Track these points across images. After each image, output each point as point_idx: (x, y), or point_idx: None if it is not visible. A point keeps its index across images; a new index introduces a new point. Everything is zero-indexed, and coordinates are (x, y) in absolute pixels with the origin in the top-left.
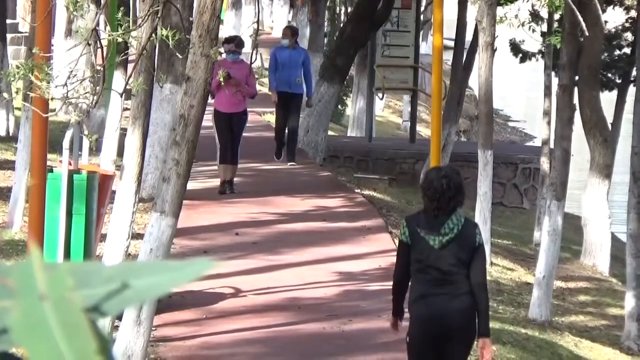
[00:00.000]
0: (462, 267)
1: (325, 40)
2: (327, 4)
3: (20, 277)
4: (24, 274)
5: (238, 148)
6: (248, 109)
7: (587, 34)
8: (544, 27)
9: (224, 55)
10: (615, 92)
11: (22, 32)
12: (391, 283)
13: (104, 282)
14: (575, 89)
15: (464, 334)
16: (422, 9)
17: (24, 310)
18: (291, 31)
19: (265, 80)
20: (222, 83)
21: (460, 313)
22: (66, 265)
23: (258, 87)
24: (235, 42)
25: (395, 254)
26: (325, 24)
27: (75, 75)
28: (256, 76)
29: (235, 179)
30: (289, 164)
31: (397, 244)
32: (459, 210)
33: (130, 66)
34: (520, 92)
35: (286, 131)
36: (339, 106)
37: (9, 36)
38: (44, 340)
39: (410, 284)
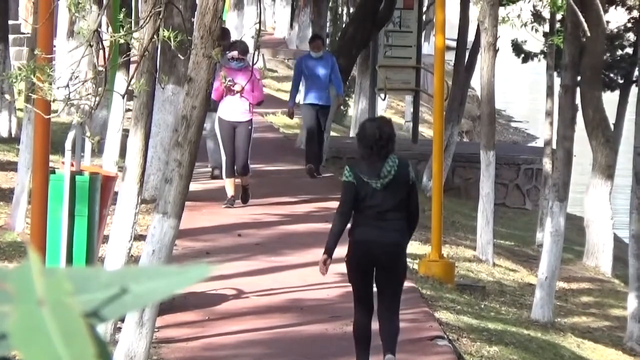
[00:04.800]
0: (399, 204)
1: (328, 40)
2: (329, 4)
3: (19, 281)
4: (23, 278)
5: (248, 160)
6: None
7: (589, 34)
8: (546, 28)
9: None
10: (617, 93)
11: (24, 33)
12: None
13: (102, 287)
14: (578, 90)
15: (396, 265)
16: (425, 9)
17: (22, 315)
18: (322, 42)
19: (266, 81)
20: (227, 87)
21: (393, 245)
22: (64, 270)
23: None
24: (239, 50)
25: (341, 194)
26: (328, 24)
27: (77, 76)
28: (257, 77)
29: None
30: (316, 175)
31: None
32: (391, 154)
33: (132, 67)
34: (522, 93)
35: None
36: (341, 107)
37: (11, 37)
38: (42, 345)
39: (353, 217)
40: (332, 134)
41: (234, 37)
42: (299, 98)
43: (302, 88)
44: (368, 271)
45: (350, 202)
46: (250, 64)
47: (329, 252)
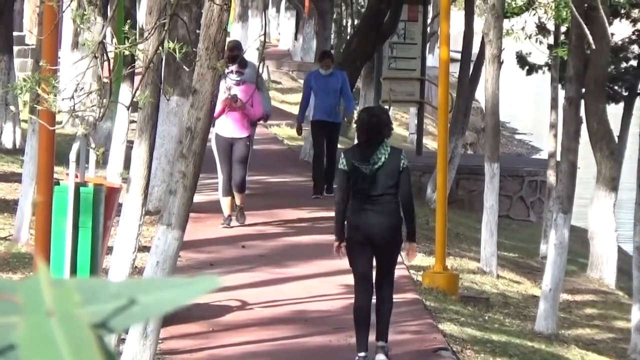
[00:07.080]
0: (390, 188)
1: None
2: (334, 16)
3: (28, 293)
4: (31, 290)
5: (245, 177)
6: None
7: (593, 46)
8: (551, 40)
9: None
10: (621, 105)
11: (28, 45)
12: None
13: (111, 298)
14: (582, 102)
15: (390, 243)
16: (429, 21)
17: (31, 326)
18: (332, 59)
19: (270, 93)
20: (232, 102)
21: (386, 226)
22: (73, 282)
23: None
24: (238, 63)
25: (336, 183)
26: (332, 36)
27: (82, 87)
28: (258, 92)
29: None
30: (324, 193)
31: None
32: (386, 141)
33: (137, 79)
34: (526, 105)
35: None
36: (345, 118)
37: (15, 48)
38: (51, 356)
39: (349, 202)
40: (337, 145)
41: None
42: (308, 113)
43: (312, 104)
44: (365, 252)
45: (344, 189)
46: (249, 78)
47: (339, 237)
